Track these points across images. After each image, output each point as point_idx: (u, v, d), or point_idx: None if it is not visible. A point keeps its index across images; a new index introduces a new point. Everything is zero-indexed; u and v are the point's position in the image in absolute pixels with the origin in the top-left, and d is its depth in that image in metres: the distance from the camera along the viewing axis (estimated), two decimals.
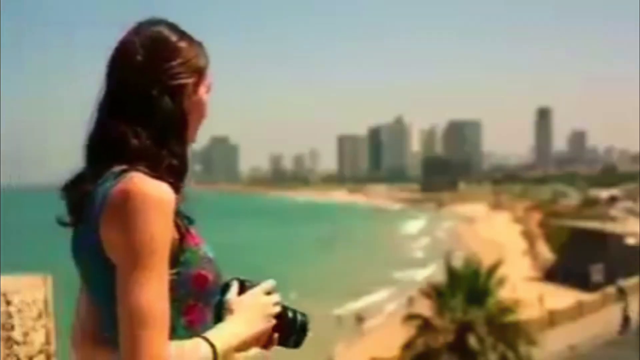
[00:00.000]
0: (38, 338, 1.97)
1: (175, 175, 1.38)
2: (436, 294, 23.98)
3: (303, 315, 1.54)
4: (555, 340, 30.43)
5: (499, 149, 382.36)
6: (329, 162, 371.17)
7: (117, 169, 1.35)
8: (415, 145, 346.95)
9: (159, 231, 1.28)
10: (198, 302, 1.38)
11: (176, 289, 1.33)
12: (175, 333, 1.32)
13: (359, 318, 38.30)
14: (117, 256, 1.29)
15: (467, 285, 23.56)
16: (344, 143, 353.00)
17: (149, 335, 1.23)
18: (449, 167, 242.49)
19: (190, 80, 1.44)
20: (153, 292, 1.26)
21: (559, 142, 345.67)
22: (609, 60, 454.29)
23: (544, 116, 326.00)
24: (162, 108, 1.40)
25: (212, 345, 1.34)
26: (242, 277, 1.52)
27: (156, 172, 1.34)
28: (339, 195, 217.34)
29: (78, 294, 1.51)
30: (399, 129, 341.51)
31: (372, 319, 39.32)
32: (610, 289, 40.42)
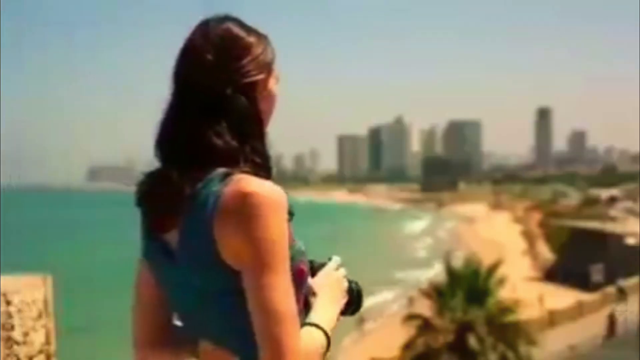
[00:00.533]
0: (38, 338, 1.97)
1: (264, 172, 1.40)
2: (436, 293, 23.99)
3: (357, 284, 1.61)
4: (555, 340, 30.43)
5: (499, 149, 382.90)
6: (329, 162, 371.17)
7: (220, 171, 1.36)
8: (415, 145, 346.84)
9: (280, 232, 1.32)
10: (299, 293, 1.42)
11: None
12: None
13: (360, 318, 38.25)
14: (242, 261, 1.32)
15: (467, 285, 23.56)
16: (344, 143, 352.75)
17: (286, 331, 1.29)
18: (449, 167, 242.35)
19: (261, 77, 1.45)
20: (283, 291, 1.31)
21: (559, 142, 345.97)
22: (609, 60, 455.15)
23: (544, 116, 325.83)
24: (237, 107, 1.41)
25: (323, 330, 1.41)
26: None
27: (254, 172, 1.37)
28: (339, 195, 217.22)
29: (139, 290, 1.53)
30: (399, 129, 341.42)
31: (372, 319, 39.30)
32: (610, 289, 40.41)
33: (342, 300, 1.54)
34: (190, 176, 1.36)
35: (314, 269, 1.54)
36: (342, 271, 1.57)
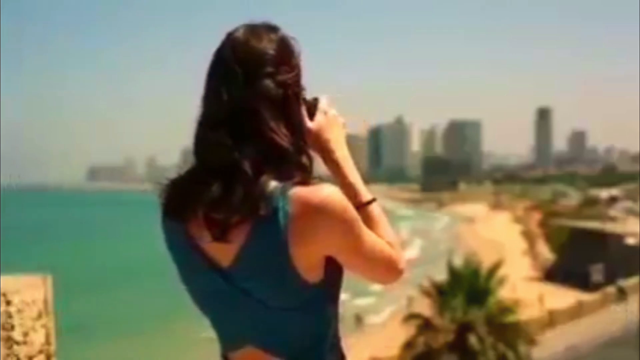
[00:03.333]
0: (38, 338, 1.97)
1: (308, 175, 1.43)
2: (436, 293, 24.00)
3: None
4: (555, 340, 30.46)
5: (499, 149, 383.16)
6: None
7: (277, 184, 1.35)
8: (415, 145, 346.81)
9: (353, 218, 1.40)
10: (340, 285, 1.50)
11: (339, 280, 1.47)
12: (326, 315, 1.44)
13: (359, 317, 38.29)
14: (345, 257, 1.42)
15: (468, 285, 23.58)
16: None
17: (383, 254, 1.46)
18: (449, 167, 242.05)
19: (300, 90, 1.49)
20: (371, 236, 1.44)
21: (559, 142, 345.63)
22: (609, 60, 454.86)
23: (544, 116, 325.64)
24: (295, 109, 1.46)
25: (372, 200, 1.54)
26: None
27: (303, 178, 1.39)
28: None
29: None
30: (399, 129, 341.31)
31: (372, 318, 39.33)
32: (610, 289, 40.47)
33: (344, 136, 1.60)
34: (261, 185, 1.34)
35: (310, 108, 1.56)
36: (334, 110, 1.60)
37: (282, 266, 1.34)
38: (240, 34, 1.45)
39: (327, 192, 1.35)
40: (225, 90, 1.40)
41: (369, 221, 1.47)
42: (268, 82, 1.40)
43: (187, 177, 1.41)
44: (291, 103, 1.44)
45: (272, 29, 1.47)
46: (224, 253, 1.37)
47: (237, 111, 1.38)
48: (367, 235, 1.43)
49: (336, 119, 1.58)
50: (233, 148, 1.36)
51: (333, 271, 1.42)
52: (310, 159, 1.46)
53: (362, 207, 1.50)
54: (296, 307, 1.38)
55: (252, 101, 1.38)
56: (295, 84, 1.45)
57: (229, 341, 1.46)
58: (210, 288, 1.41)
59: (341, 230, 1.36)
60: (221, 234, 1.35)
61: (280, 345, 1.40)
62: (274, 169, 1.36)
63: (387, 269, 1.47)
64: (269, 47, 1.43)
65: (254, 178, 1.33)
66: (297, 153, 1.42)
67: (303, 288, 1.36)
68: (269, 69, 1.41)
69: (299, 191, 1.34)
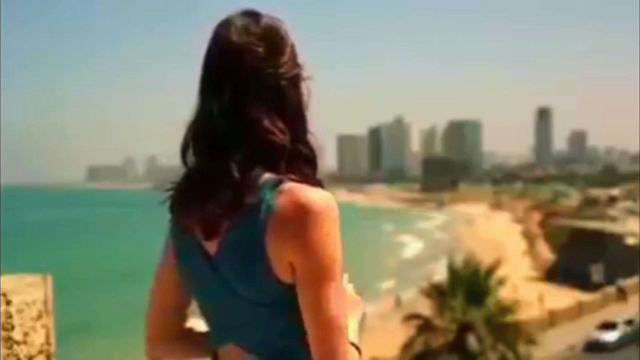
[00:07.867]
0: (38, 338, 1.96)
1: (311, 167, 1.38)
2: (436, 293, 24.01)
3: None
4: (555, 340, 30.45)
5: (499, 149, 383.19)
6: (329, 162, 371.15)
7: (270, 177, 1.31)
8: (415, 145, 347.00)
9: (337, 242, 1.30)
10: None
11: None
12: None
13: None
14: (301, 273, 1.30)
15: (467, 285, 23.58)
16: (344, 143, 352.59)
17: (343, 341, 1.31)
18: (449, 167, 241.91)
19: (298, 70, 1.41)
20: (342, 302, 1.32)
21: (559, 142, 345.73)
22: (609, 60, 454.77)
23: (544, 116, 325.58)
24: (292, 99, 1.38)
25: (356, 347, 1.41)
26: None
27: (303, 174, 1.34)
28: (339, 195, 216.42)
29: (156, 291, 1.53)
30: (399, 129, 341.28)
31: (371, 318, 39.32)
32: (610, 289, 40.48)
33: (359, 313, 1.55)
34: (251, 180, 1.30)
35: None
36: (351, 284, 1.56)
37: (256, 258, 1.30)
38: (223, 31, 1.38)
39: (318, 196, 1.29)
40: (213, 96, 1.36)
41: None
42: (256, 80, 1.35)
43: (189, 175, 1.40)
44: (286, 92, 1.37)
45: (254, 17, 1.40)
46: (207, 244, 1.37)
47: (227, 114, 1.34)
48: (340, 295, 1.30)
49: (351, 298, 1.54)
50: (223, 150, 1.33)
51: None
52: (311, 149, 1.39)
53: None
54: (271, 302, 1.34)
55: (243, 102, 1.34)
56: (289, 70, 1.38)
57: (215, 335, 1.45)
58: (200, 276, 1.40)
59: (311, 250, 1.27)
60: (211, 232, 1.35)
61: (258, 343, 1.37)
62: (269, 164, 1.33)
63: (331, 350, 1.30)
64: (253, 41, 1.36)
65: (243, 177, 1.30)
66: (298, 143, 1.36)
67: (277, 285, 1.32)
68: (257, 66, 1.35)
69: (289, 187, 1.30)
